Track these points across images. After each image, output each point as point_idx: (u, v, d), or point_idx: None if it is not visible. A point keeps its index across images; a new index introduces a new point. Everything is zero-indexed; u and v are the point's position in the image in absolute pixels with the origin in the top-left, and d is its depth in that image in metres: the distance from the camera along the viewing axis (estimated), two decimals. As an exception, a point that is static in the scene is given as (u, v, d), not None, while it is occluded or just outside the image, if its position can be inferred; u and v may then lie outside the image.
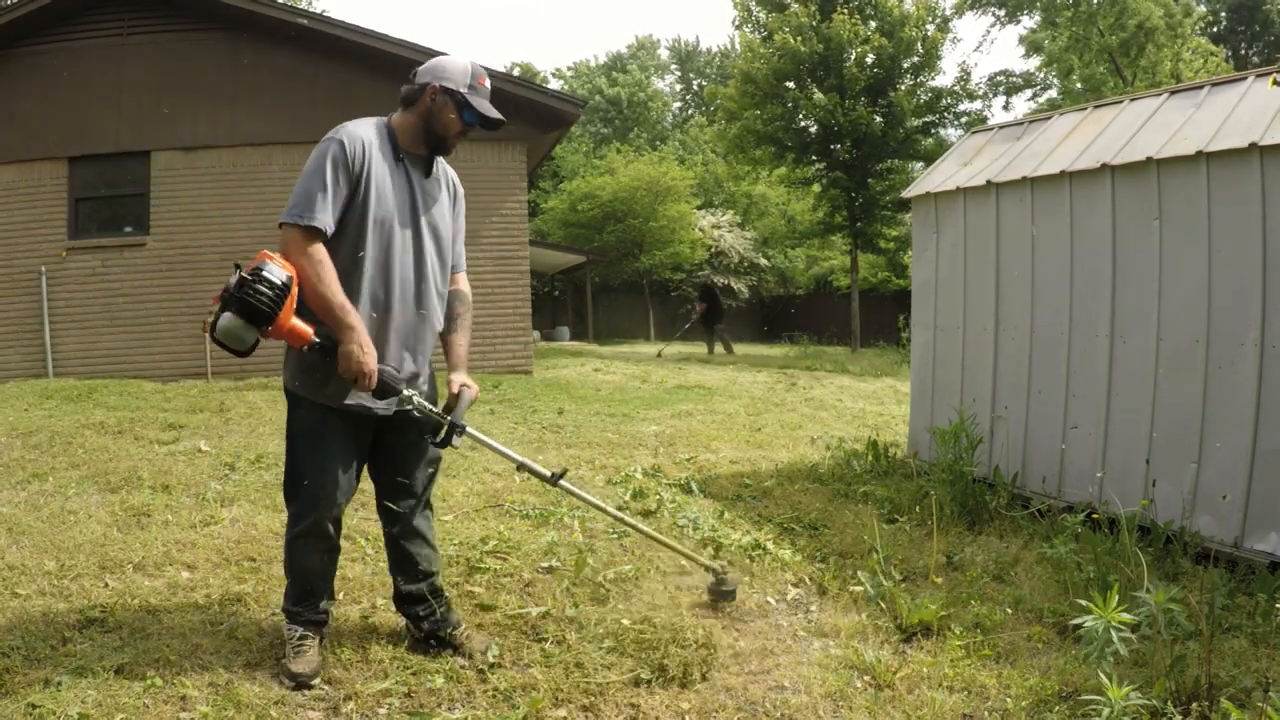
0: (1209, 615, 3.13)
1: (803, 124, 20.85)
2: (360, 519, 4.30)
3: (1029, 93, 29.75)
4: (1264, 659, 2.84)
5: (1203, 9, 29.38)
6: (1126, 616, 2.50)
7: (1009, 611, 3.37)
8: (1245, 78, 4.46)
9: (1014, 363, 5.07)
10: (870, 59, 20.03)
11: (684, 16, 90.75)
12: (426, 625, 2.89)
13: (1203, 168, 3.98)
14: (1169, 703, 2.52)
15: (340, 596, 3.31)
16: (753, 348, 22.27)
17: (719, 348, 18.69)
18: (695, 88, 49.46)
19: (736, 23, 22.23)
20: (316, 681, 2.65)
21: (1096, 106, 5.34)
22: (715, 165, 34.49)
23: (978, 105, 23.54)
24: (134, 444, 5.81)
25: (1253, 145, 3.75)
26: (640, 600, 3.36)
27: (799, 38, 19.50)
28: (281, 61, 11.04)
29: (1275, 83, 4.07)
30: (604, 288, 30.11)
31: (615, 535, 4.17)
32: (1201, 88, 4.66)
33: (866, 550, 4.03)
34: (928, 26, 20.31)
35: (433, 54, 10.12)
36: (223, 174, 10.85)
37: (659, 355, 17.10)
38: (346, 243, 2.63)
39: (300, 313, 2.56)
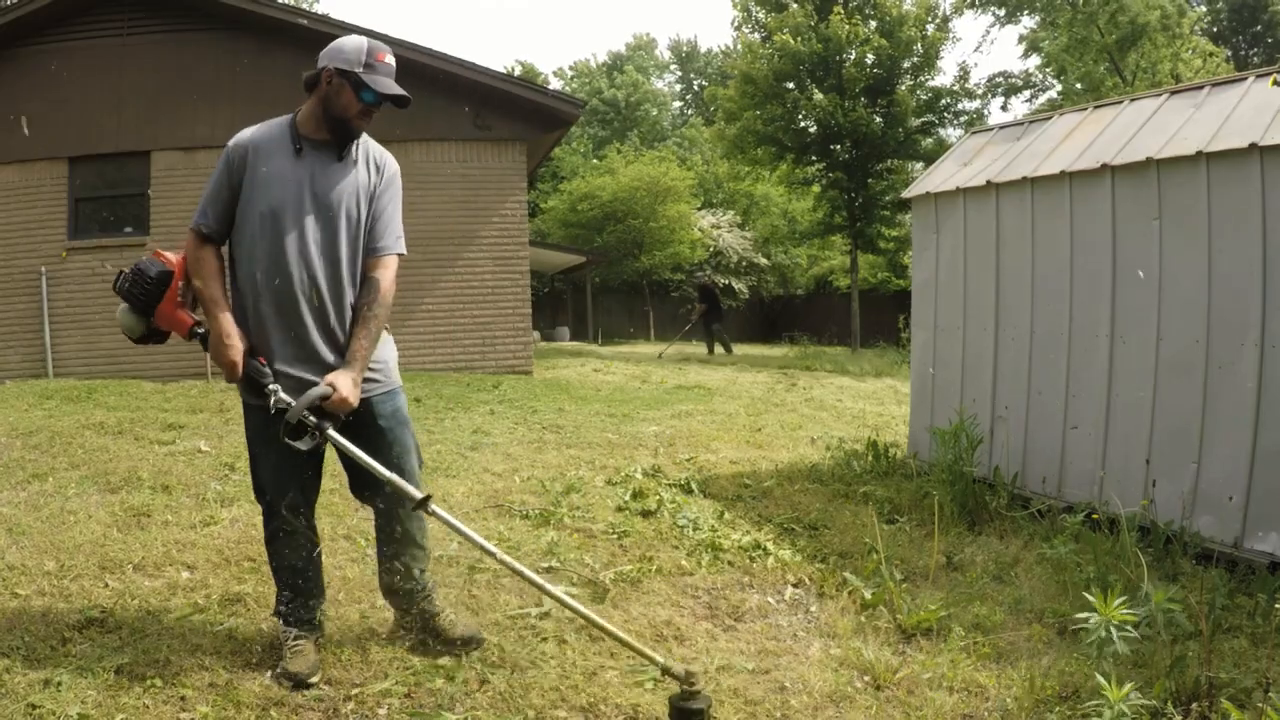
0: (1209, 615, 3.13)
1: (802, 124, 20.85)
2: (360, 519, 4.29)
3: (1028, 93, 29.78)
4: (1264, 659, 2.84)
5: (1202, 9, 29.39)
6: (1127, 615, 2.51)
7: (1009, 612, 3.37)
8: (1245, 78, 4.46)
9: (1014, 363, 5.07)
10: (870, 59, 20.04)
11: (683, 16, 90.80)
12: (414, 612, 2.92)
13: (1203, 168, 3.98)
14: (1169, 703, 2.52)
15: (340, 596, 3.31)
16: (752, 348, 22.27)
17: (719, 348, 18.70)
18: (695, 88, 49.47)
19: (736, 24, 22.25)
20: (315, 680, 2.65)
21: (1096, 107, 5.34)
22: (716, 165, 34.49)
23: (977, 105, 23.54)
24: (134, 444, 5.81)
25: (1253, 145, 3.75)
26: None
27: (798, 38, 19.50)
28: (281, 61, 11.02)
29: (1276, 82, 4.07)
30: (604, 288, 30.11)
31: (615, 535, 4.17)
32: (1201, 88, 4.66)
33: (866, 550, 4.03)
34: (927, 26, 20.31)
35: (433, 54, 10.11)
36: (223, 174, 10.85)
37: (660, 356, 17.10)
38: (244, 238, 2.70)
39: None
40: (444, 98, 11.23)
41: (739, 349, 19.82)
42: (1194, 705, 2.52)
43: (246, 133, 2.74)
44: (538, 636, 3.03)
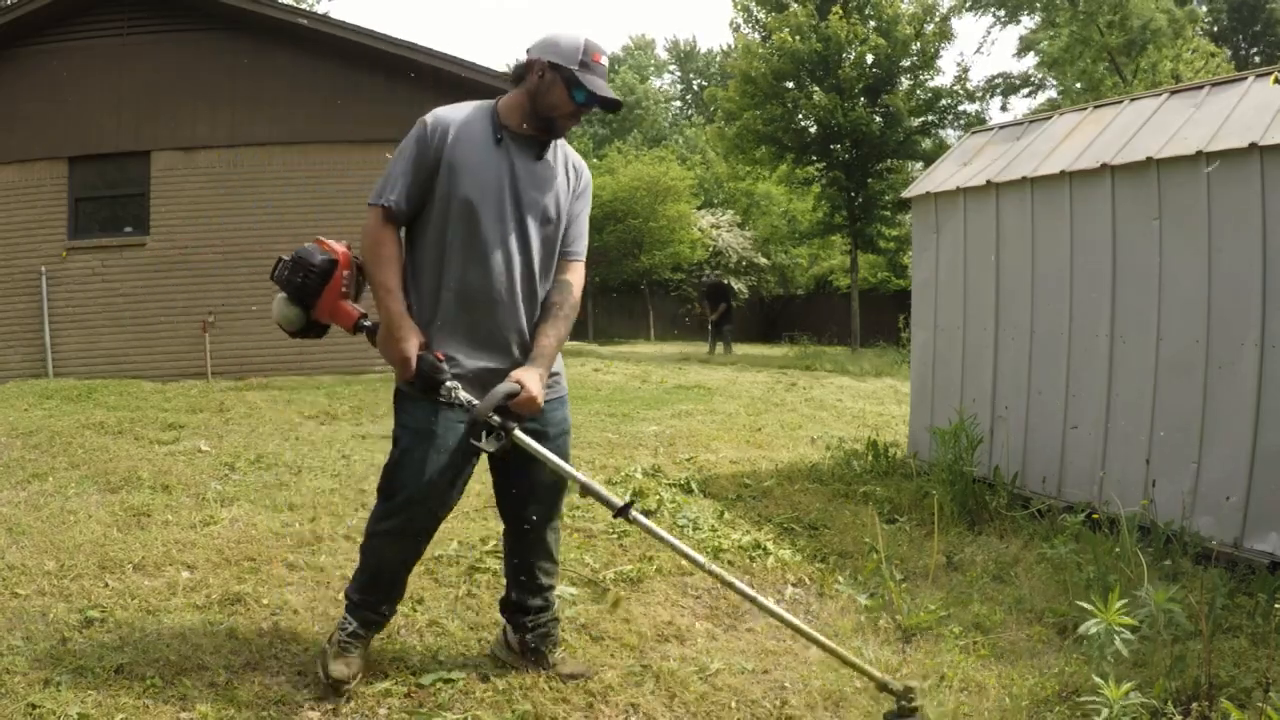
0: (1209, 615, 3.13)
1: (802, 124, 20.86)
2: (360, 519, 4.30)
3: (1026, 92, 29.78)
4: (1264, 659, 2.84)
5: (1203, 9, 29.41)
6: (1127, 620, 2.51)
7: (1009, 611, 3.37)
8: (1245, 78, 4.46)
9: (1014, 363, 5.07)
10: (869, 59, 20.04)
11: (681, 16, 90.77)
12: (531, 637, 2.76)
13: (1203, 167, 3.98)
14: (1169, 703, 2.52)
15: (340, 597, 3.31)
16: (752, 348, 22.26)
17: (719, 347, 18.70)
18: (695, 88, 49.46)
19: (735, 25, 22.25)
20: (350, 688, 2.54)
21: (1096, 106, 5.34)
22: (716, 165, 34.50)
23: (977, 106, 23.57)
24: (134, 444, 5.81)
25: (1253, 145, 3.75)
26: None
27: (797, 37, 19.51)
28: (281, 61, 11.04)
29: (1277, 80, 4.07)
30: (604, 288, 30.10)
31: (615, 535, 4.17)
32: (1201, 88, 4.66)
33: (866, 550, 4.03)
34: (926, 26, 20.32)
35: (433, 54, 10.10)
36: (223, 174, 10.85)
37: (710, 354, 17.49)
38: (431, 226, 2.51)
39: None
40: (444, 98, 11.13)
41: (739, 348, 19.82)
42: (1194, 705, 2.52)
43: (445, 111, 2.55)
44: (538, 636, 3.03)
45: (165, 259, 10.73)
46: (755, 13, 21.69)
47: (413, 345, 2.42)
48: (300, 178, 10.96)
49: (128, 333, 10.62)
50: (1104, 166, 4.45)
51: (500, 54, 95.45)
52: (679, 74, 51.59)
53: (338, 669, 2.55)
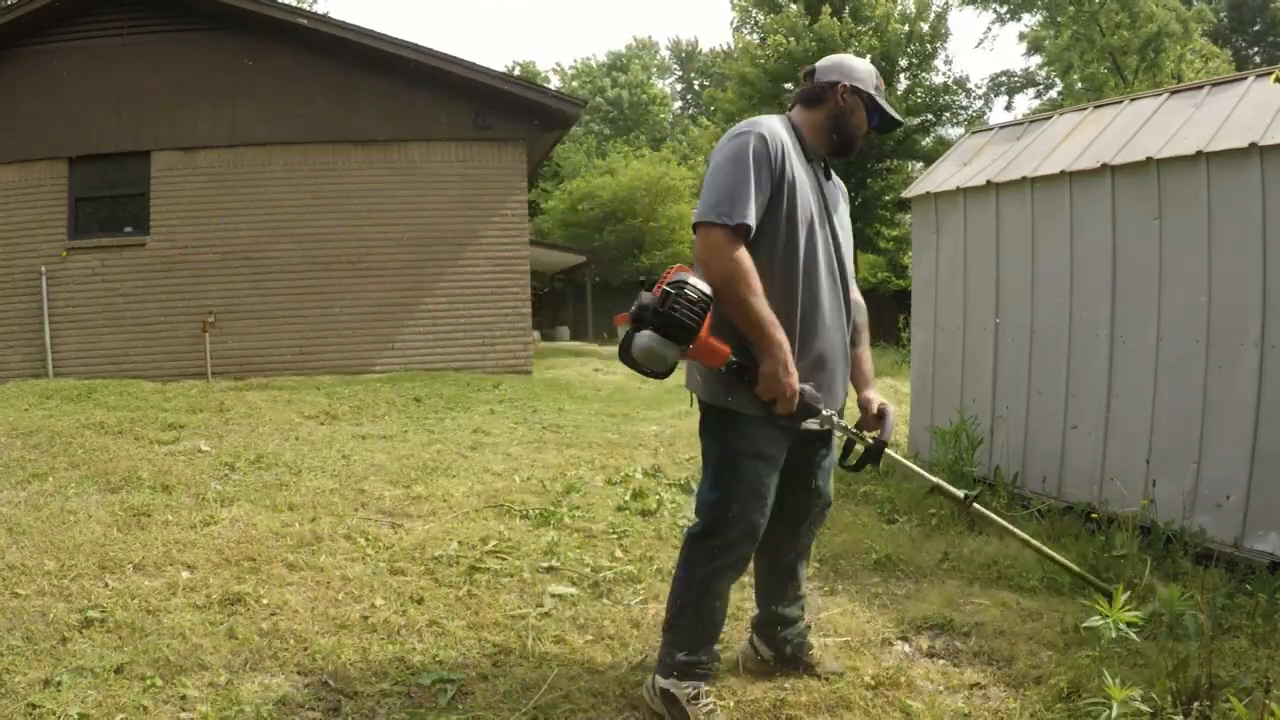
0: (1209, 615, 3.13)
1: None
2: (360, 519, 4.30)
3: (1031, 92, 29.79)
4: (1264, 659, 2.84)
5: (1204, 9, 29.42)
6: (1131, 615, 2.51)
7: (1009, 611, 3.37)
8: (1245, 78, 4.46)
9: (1014, 363, 5.07)
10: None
11: (683, 17, 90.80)
12: (790, 648, 2.81)
13: (1203, 168, 3.97)
14: (1170, 703, 2.52)
15: (340, 596, 3.31)
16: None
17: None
18: (696, 88, 49.47)
19: (734, 24, 22.30)
20: None
21: (1097, 106, 5.34)
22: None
23: (978, 104, 23.56)
24: (134, 444, 5.81)
25: (1253, 145, 3.75)
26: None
27: (792, 38, 19.53)
28: (281, 61, 11.04)
29: (1277, 80, 4.07)
30: (604, 288, 30.10)
31: (615, 535, 4.17)
32: (1201, 88, 4.66)
33: (866, 550, 4.03)
34: (922, 25, 20.34)
35: (433, 54, 10.10)
36: (223, 174, 10.85)
37: None
38: (778, 246, 2.40)
39: (717, 327, 2.33)
40: (444, 98, 11.23)
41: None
42: (1195, 705, 2.52)
43: (774, 124, 2.45)
44: (538, 636, 3.03)
45: (165, 259, 10.73)
46: (753, 14, 21.72)
47: (796, 379, 2.34)
48: (300, 178, 10.97)
49: (128, 333, 10.62)
50: (1104, 166, 4.45)
51: (500, 54, 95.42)
52: (681, 74, 51.59)
53: None
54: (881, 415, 2.59)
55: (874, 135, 2.70)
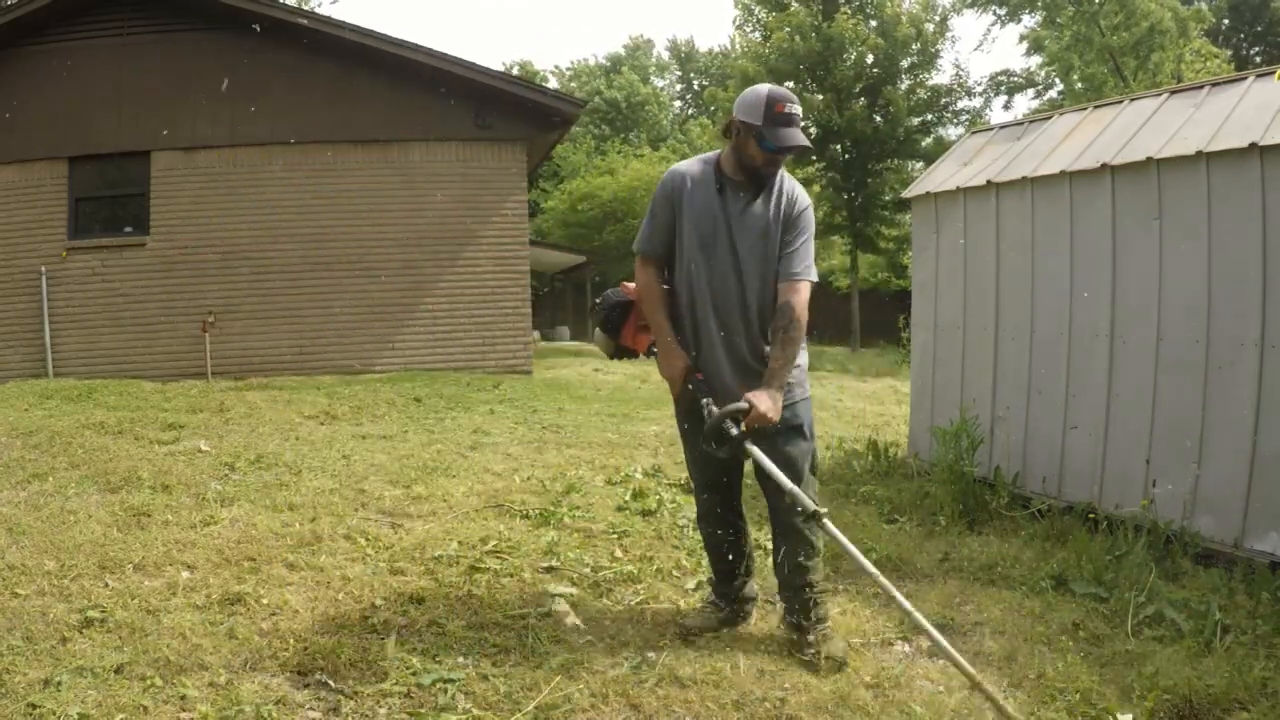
0: (1209, 615, 3.13)
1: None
2: (360, 519, 4.30)
3: (1031, 92, 29.76)
4: (1264, 659, 2.84)
5: (1204, 8, 29.42)
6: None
7: (1009, 611, 3.37)
8: (1245, 78, 4.46)
9: (1014, 363, 5.07)
10: (869, 59, 20.07)
11: (680, 17, 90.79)
12: (791, 615, 3.04)
13: (1203, 168, 3.98)
14: (1170, 702, 2.52)
15: (340, 596, 3.31)
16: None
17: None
18: (695, 87, 49.47)
19: (737, 22, 22.29)
20: (701, 634, 3.02)
21: (1097, 106, 5.34)
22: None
23: (977, 104, 23.55)
24: (134, 444, 5.81)
25: (1253, 145, 3.75)
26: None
27: (798, 37, 19.53)
28: (281, 61, 11.04)
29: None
30: (604, 288, 30.04)
31: (615, 535, 4.17)
32: (1201, 88, 4.66)
33: (866, 550, 4.03)
34: (927, 25, 20.34)
35: (433, 54, 10.10)
36: (223, 174, 10.85)
37: None
38: (679, 266, 2.99)
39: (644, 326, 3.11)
40: (444, 98, 11.22)
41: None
42: (1195, 705, 2.52)
43: (679, 166, 3.07)
44: (538, 636, 3.03)
45: (165, 259, 10.73)
46: (756, 12, 21.71)
47: (679, 370, 2.94)
48: (300, 178, 10.97)
49: (128, 333, 10.62)
50: (1104, 166, 4.45)
51: (499, 54, 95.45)
52: (680, 74, 51.58)
53: (690, 619, 3.14)
54: (745, 411, 2.76)
55: (788, 156, 2.95)
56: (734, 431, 2.76)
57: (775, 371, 2.85)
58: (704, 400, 2.87)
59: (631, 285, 3.12)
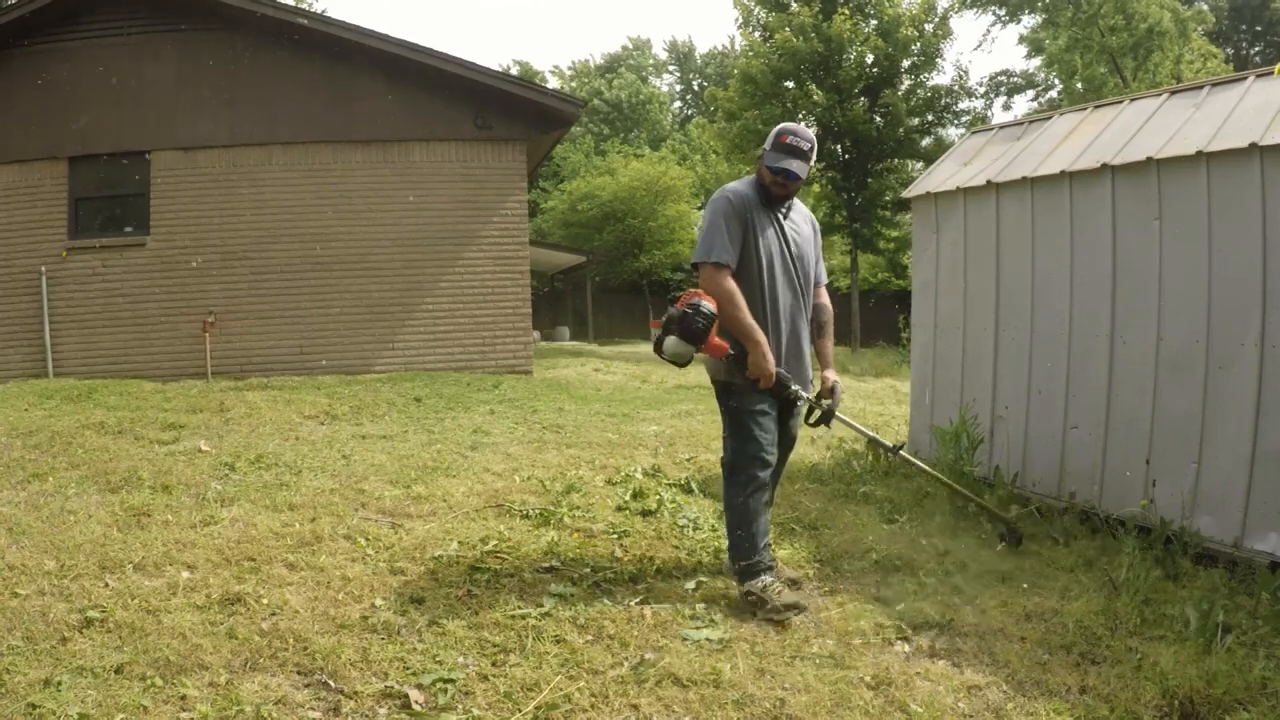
0: (1209, 615, 3.13)
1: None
2: (360, 519, 4.30)
3: (1031, 93, 29.77)
4: (1264, 659, 2.84)
5: (1204, 8, 29.43)
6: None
7: (1009, 611, 3.37)
8: (1245, 78, 4.46)
9: (1014, 363, 5.07)
10: (869, 59, 20.06)
11: (678, 17, 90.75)
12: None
13: (1203, 168, 3.97)
14: (1170, 702, 2.52)
15: (340, 596, 3.31)
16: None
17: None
18: (695, 87, 49.46)
19: (739, 21, 22.25)
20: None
21: (1097, 107, 5.34)
22: (716, 164, 34.50)
23: (978, 105, 23.55)
24: (134, 444, 5.81)
25: (1253, 145, 3.75)
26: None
27: (799, 37, 19.51)
28: (282, 61, 11.04)
29: None
30: (604, 288, 30.10)
31: (615, 535, 4.17)
32: (1201, 88, 4.66)
33: (866, 550, 4.03)
34: (926, 25, 20.33)
35: (433, 54, 10.08)
36: (223, 174, 10.85)
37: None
38: (752, 275, 3.40)
39: (720, 332, 3.39)
40: (444, 98, 11.22)
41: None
42: (1195, 705, 2.52)
43: (738, 186, 3.47)
44: (538, 636, 3.03)
45: (165, 259, 10.73)
46: (756, 12, 21.70)
47: (773, 364, 3.35)
48: (300, 178, 10.97)
49: (128, 333, 10.62)
50: (1104, 166, 4.45)
51: (499, 54, 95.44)
52: (678, 74, 51.58)
53: (788, 598, 3.32)
54: (833, 389, 3.58)
55: (791, 180, 3.41)
56: (825, 404, 3.51)
57: (830, 356, 3.71)
58: (793, 388, 3.39)
59: (699, 292, 3.38)
